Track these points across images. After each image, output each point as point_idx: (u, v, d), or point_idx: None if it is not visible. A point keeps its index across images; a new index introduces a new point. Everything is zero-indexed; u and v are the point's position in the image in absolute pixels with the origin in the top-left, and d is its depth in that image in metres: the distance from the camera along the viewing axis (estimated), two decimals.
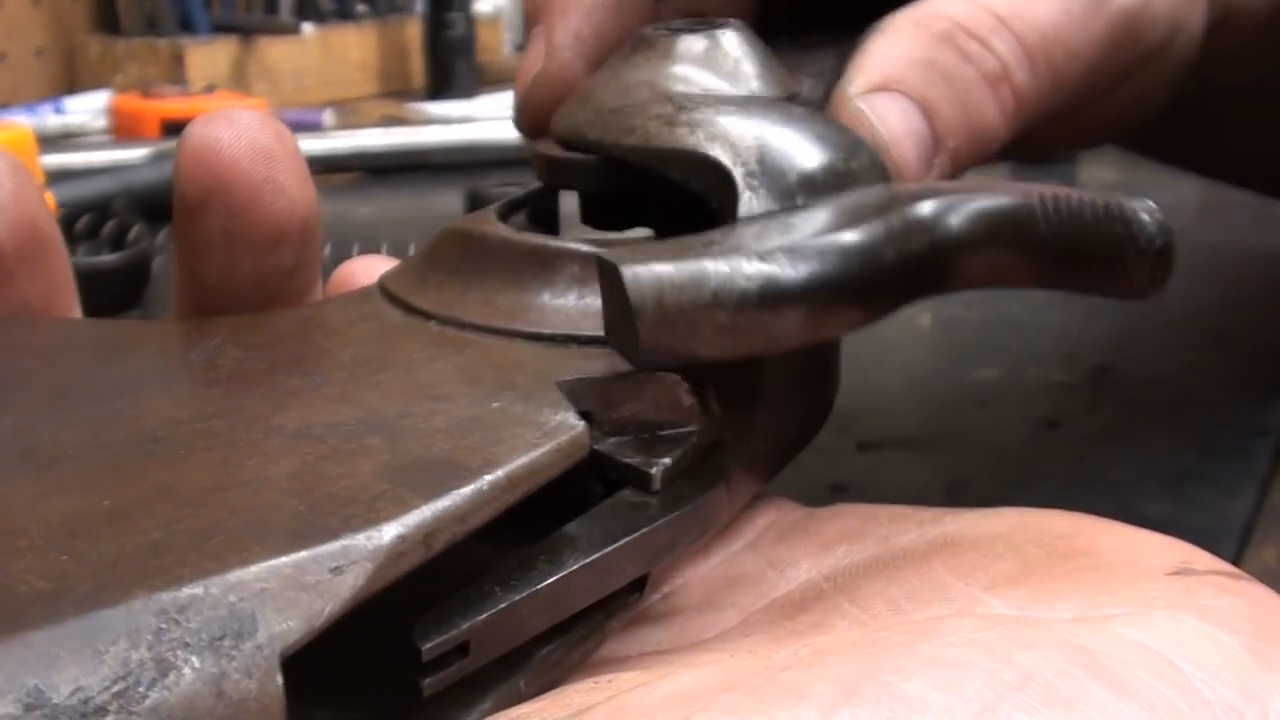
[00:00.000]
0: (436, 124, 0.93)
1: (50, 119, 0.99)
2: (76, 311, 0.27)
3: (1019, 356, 0.50)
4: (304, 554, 0.17)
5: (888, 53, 0.28)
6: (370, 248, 0.60)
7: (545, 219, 0.28)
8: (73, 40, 1.17)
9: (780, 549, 0.24)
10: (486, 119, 0.93)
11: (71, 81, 1.15)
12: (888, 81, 0.27)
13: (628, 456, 0.21)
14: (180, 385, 0.22)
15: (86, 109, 1.01)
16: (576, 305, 0.23)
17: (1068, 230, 0.23)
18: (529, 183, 0.28)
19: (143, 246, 0.58)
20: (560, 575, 0.19)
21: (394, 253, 0.38)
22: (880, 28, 0.28)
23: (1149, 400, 0.48)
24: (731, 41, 0.26)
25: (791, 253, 0.21)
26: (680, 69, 0.26)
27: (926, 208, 0.23)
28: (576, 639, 0.21)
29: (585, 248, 0.24)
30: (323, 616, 0.16)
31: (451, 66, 1.17)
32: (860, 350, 0.46)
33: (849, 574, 0.22)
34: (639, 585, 0.21)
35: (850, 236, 0.21)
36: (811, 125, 0.24)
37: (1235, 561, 0.20)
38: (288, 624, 0.16)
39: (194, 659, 0.15)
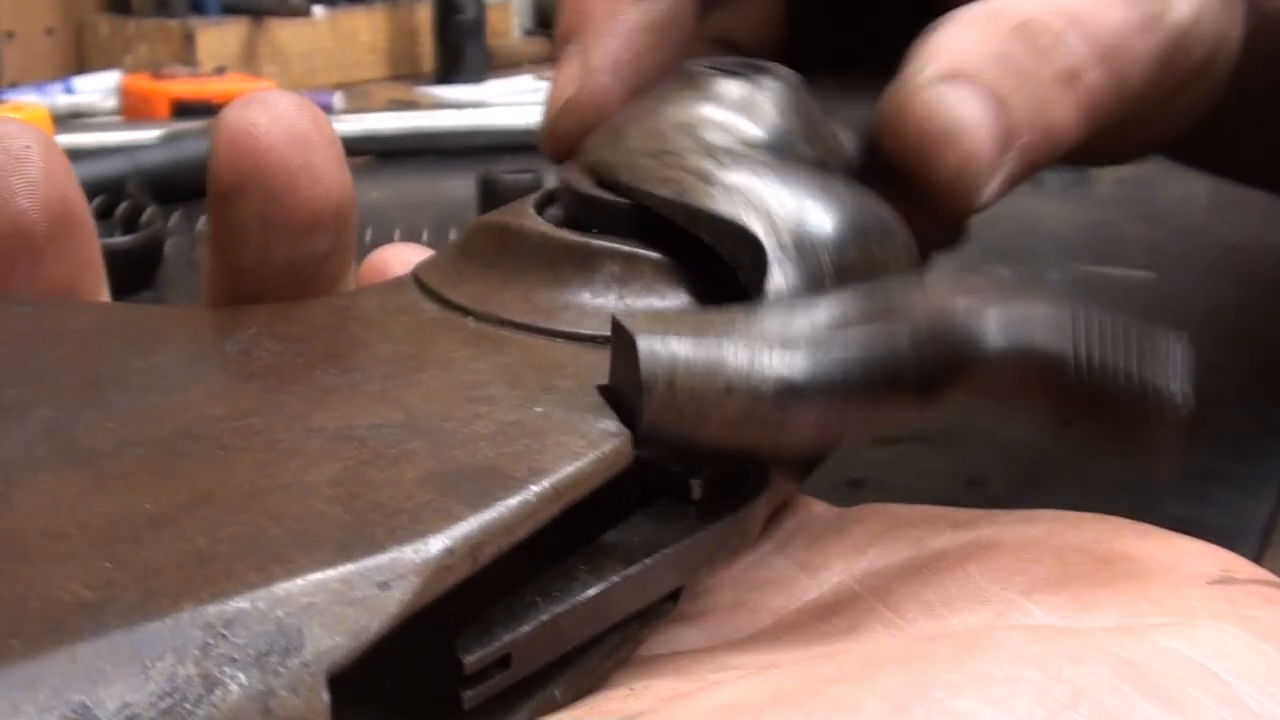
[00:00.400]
0: (446, 108, 0.92)
1: (60, 99, 0.98)
2: (104, 293, 0.26)
3: None
4: (351, 567, 0.16)
5: (960, 44, 0.26)
6: (382, 231, 0.60)
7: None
8: (83, 20, 1.17)
9: (811, 551, 0.24)
10: (496, 103, 0.92)
11: (81, 61, 1.15)
12: (960, 70, 0.26)
13: (668, 464, 0.21)
14: (216, 378, 0.22)
15: (96, 89, 1.01)
16: (616, 305, 0.23)
17: (1095, 384, 0.21)
18: (540, 168, 0.27)
19: (156, 228, 0.58)
20: (602, 587, 0.19)
21: (407, 238, 0.38)
22: (949, 19, 0.27)
23: None
24: (775, 90, 0.25)
25: (814, 352, 0.20)
26: (720, 114, 0.25)
27: (957, 313, 0.21)
28: (611, 647, 0.20)
29: (626, 246, 0.24)
30: (369, 633, 0.16)
31: (461, 50, 1.17)
32: None
33: (882, 577, 0.22)
34: (674, 594, 0.21)
35: (877, 342, 0.21)
36: (851, 204, 0.24)
37: (1255, 562, 0.20)
38: (334, 640, 0.16)
39: (241, 675, 0.15)
